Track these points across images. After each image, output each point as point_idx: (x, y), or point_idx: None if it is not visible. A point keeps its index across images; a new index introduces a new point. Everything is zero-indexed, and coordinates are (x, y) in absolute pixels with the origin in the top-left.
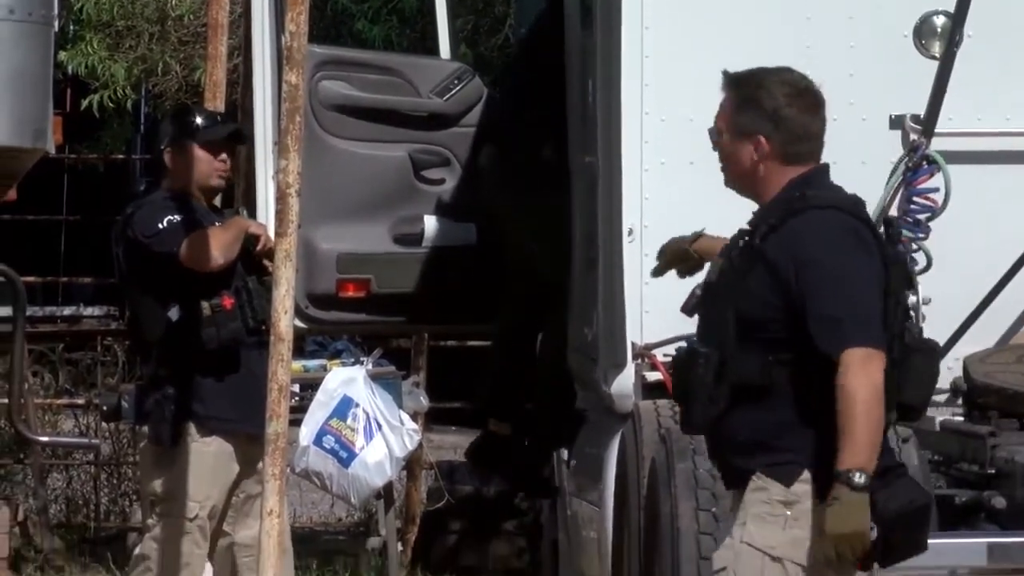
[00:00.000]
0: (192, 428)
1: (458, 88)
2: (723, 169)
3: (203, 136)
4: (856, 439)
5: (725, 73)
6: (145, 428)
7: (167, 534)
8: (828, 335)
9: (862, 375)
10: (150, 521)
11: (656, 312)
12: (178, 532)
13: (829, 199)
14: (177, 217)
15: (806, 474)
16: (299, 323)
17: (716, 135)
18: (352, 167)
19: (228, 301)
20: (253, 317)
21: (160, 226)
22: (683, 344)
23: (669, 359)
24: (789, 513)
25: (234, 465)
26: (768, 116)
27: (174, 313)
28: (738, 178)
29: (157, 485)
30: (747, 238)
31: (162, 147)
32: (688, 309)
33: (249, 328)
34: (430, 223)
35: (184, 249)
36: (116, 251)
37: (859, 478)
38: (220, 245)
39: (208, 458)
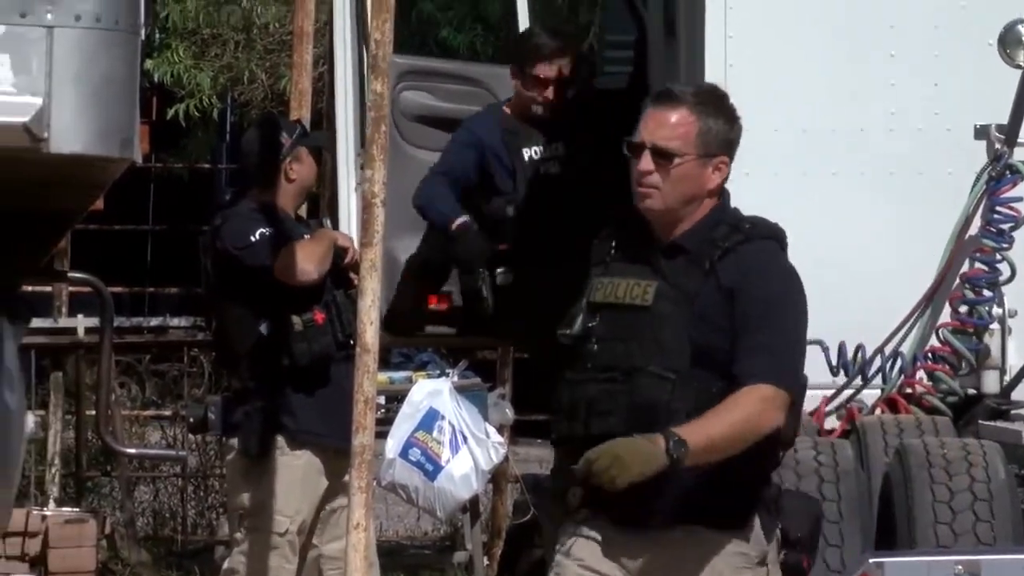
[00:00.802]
0: (282, 441)
1: None
2: (658, 191)
3: (309, 142)
4: (713, 433)
5: (667, 91)
6: (232, 440)
7: (256, 548)
8: (758, 364)
9: (762, 410)
10: (238, 535)
11: None
12: (267, 546)
13: (771, 229)
14: (269, 230)
15: (756, 520)
16: (383, 335)
17: (673, 156)
18: None
19: (320, 316)
20: (342, 331)
21: (252, 238)
22: (600, 374)
23: None
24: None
25: (323, 479)
26: (728, 139)
27: (265, 327)
28: (686, 201)
29: (246, 498)
30: (680, 257)
31: (283, 157)
32: (577, 335)
33: (338, 342)
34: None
35: (278, 263)
36: (204, 262)
37: (681, 452)
38: (314, 258)
39: (298, 472)
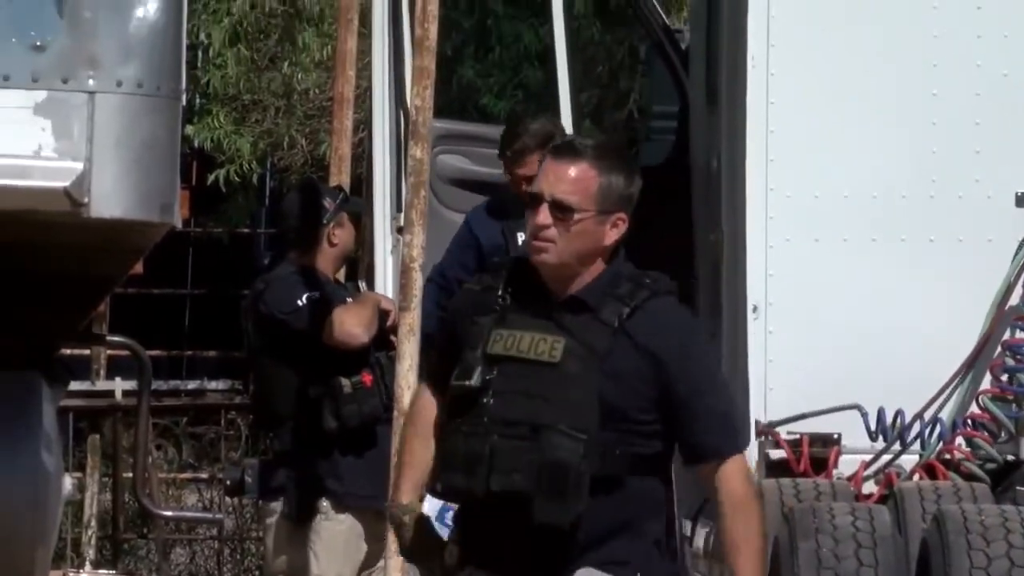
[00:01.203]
0: (326, 505)
1: None
2: (554, 245)
3: (351, 207)
4: (761, 556)
5: (569, 144)
6: (273, 504)
7: None
8: (720, 433)
9: (751, 483)
10: None
11: (779, 389)
12: None
13: (668, 282)
14: (315, 294)
15: None
16: None
17: (573, 211)
18: None
19: (368, 378)
20: (386, 393)
21: (299, 303)
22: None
23: (793, 437)
24: None
25: (363, 543)
26: (628, 194)
27: (313, 390)
28: (580, 257)
29: (284, 562)
30: (585, 314)
31: (327, 222)
32: (478, 387)
33: (384, 404)
34: None
35: (327, 327)
36: (245, 326)
37: None
38: (363, 322)
39: (340, 536)
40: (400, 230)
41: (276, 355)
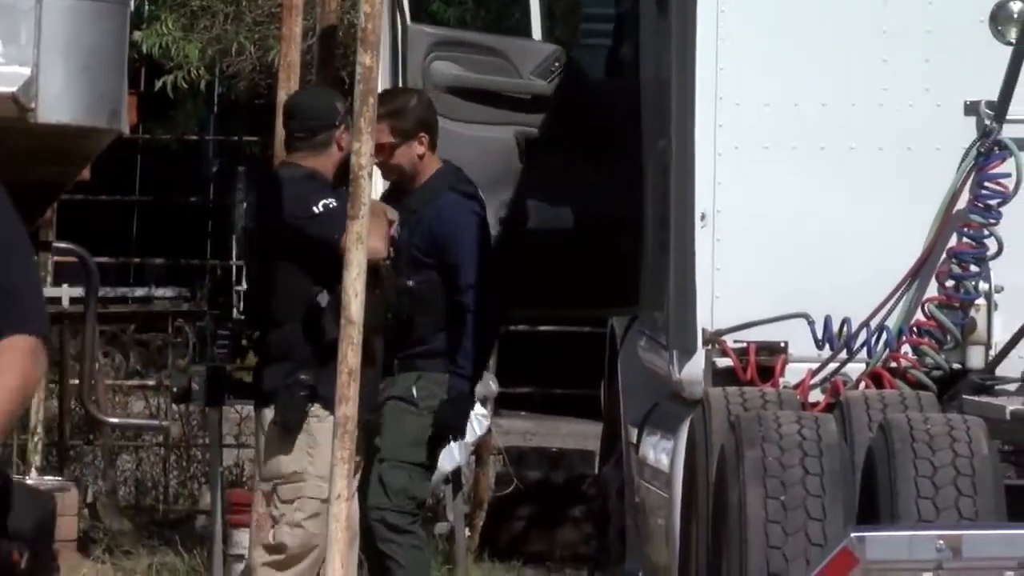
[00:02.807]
0: (318, 408)
1: (560, 70)
2: None
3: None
4: (9, 417)
5: None
6: (265, 410)
7: (301, 516)
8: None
9: (33, 365)
10: (274, 511)
11: (727, 298)
12: (313, 513)
13: None
14: (331, 202)
15: None
16: None
17: None
18: (459, 149)
19: None
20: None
21: (315, 209)
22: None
23: (739, 346)
24: None
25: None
26: None
27: (323, 298)
28: None
29: (282, 467)
30: None
31: (338, 124)
32: None
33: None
34: (531, 207)
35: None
36: (248, 226)
37: None
38: (380, 234)
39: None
40: None
41: (284, 257)
